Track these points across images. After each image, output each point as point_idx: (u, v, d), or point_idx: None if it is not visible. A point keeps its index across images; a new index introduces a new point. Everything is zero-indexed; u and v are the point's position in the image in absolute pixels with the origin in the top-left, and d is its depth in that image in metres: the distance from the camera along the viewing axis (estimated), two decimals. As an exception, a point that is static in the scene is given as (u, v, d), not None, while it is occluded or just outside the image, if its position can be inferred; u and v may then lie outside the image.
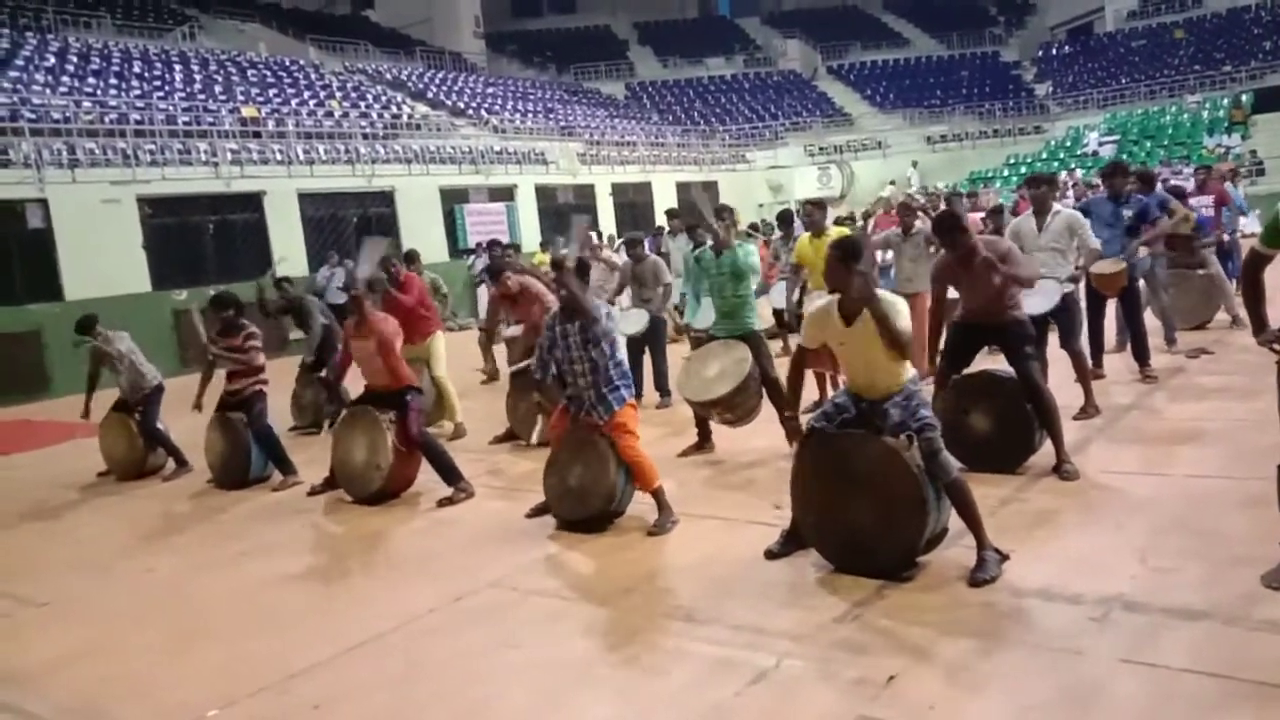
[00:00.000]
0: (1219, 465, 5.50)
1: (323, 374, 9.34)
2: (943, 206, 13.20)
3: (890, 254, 8.92)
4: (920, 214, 9.02)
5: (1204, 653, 3.38)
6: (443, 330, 9.00)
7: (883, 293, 4.38)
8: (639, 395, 7.93)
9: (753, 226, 14.72)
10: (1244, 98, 28.03)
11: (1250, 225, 12.87)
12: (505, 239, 15.56)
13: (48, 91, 18.30)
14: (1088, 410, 6.75)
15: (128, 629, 4.75)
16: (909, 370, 4.41)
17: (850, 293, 4.32)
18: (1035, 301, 6.51)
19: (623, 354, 5.85)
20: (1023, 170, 27.39)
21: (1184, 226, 9.04)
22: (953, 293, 5.85)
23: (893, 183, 27.98)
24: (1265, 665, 3.24)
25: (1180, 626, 3.60)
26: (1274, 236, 3.78)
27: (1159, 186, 9.38)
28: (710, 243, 6.88)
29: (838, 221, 12.41)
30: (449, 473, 6.44)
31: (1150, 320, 8.40)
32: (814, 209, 8.20)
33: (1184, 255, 9.46)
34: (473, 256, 18.46)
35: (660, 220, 20.72)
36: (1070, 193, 18.08)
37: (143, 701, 3.91)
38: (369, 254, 7.31)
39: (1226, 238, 10.43)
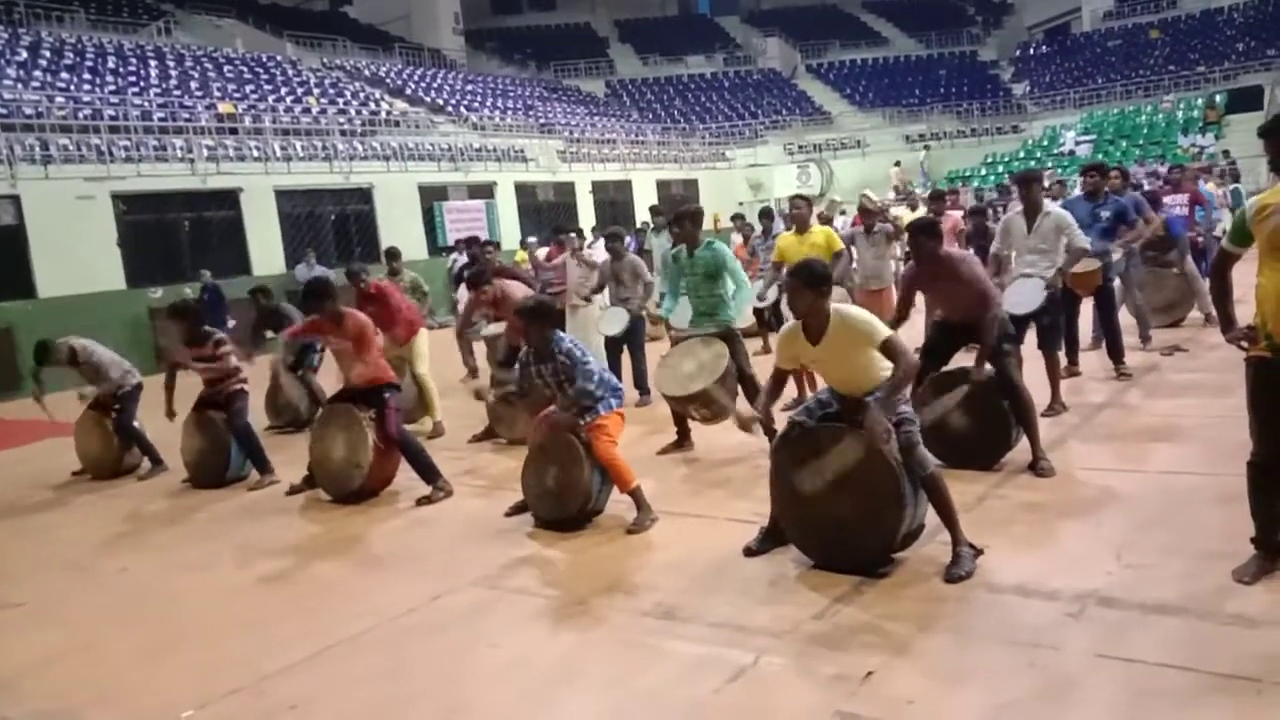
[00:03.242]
0: (1193, 461, 5.56)
1: (300, 374, 9.29)
2: (922, 209, 13.29)
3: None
4: (880, 215, 9.14)
5: (1179, 647, 3.42)
6: (425, 329, 8.96)
7: (846, 309, 4.41)
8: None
9: (735, 218, 14.79)
10: (1218, 98, 28.33)
11: (1227, 224, 12.99)
12: (484, 237, 15.49)
13: (20, 86, 18.08)
14: (1054, 408, 6.82)
15: (104, 630, 4.70)
16: (886, 367, 4.42)
17: (813, 319, 4.32)
18: (1019, 302, 6.56)
19: (602, 365, 5.88)
20: (1000, 170, 27.58)
21: (1160, 231, 9.13)
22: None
23: (898, 163, 28.24)
24: (1238, 659, 3.28)
25: (1155, 621, 3.64)
26: (1241, 236, 3.83)
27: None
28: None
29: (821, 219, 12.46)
30: (427, 471, 6.42)
31: (1125, 318, 8.48)
32: (802, 204, 8.22)
33: (1158, 254, 9.55)
34: (453, 254, 18.41)
35: (642, 218, 20.73)
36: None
37: (118, 703, 3.88)
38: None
39: (1200, 238, 10.54)
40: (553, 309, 5.83)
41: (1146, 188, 12.20)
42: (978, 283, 5.59)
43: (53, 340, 8.06)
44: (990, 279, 5.93)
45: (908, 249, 6.43)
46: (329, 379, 7.57)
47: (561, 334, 5.62)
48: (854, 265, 8.95)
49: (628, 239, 10.13)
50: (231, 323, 13.83)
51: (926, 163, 29.39)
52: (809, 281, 4.30)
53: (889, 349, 4.25)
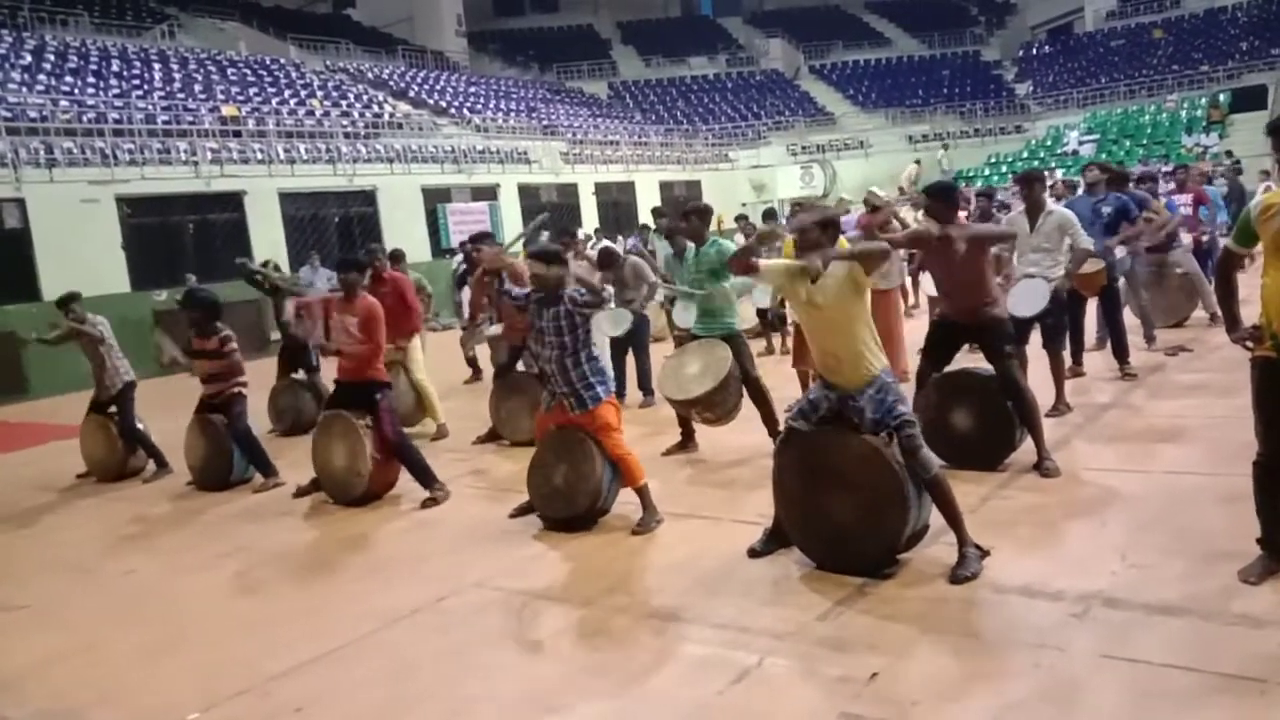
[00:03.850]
0: (1198, 462, 5.55)
1: (299, 376, 9.31)
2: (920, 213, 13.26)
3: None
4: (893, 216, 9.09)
5: (1183, 648, 3.41)
6: (423, 331, 8.97)
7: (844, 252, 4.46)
8: (622, 395, 7.95)
9: (739, 219, 14.81)
10: (1221, 97, 28.28)
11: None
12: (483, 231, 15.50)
13: (24, 90, 18.12)
14: (1058, 408, 6.81)
15: (108, 632, 4.71)
16: (881, 360, 4.41)
17: (820, 256, 4.35)
18: (1024, 304, 6.55)
19: (603, 354, 5.85)
20: (1004, 169, 27.55)
21: (1162, 232, 9.12)
22: (934, 290, 5.89)
23: (917, 161, 28.27)
24: (1243, 659, 3.27)
25: (1160, 622, 3.63)
26: (1246, 236, 3.81)
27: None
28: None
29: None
30: (423, 475, 6.42)
31: (1129, 318, 8.47)
32: (799, 211, 8.23)
33: (1161, 254, 9.54)
34: (457, 256, 18.43)
35: (645, 219, 20.71)
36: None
37: (123, 705, 3.88)
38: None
39: (1205, 237, 10.52)
40: (562, 254, 5.81)
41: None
42: (983, 261, 5.61)
43: (79, 299, 8.09)
44: (991, 278, 5.92)
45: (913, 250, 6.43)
46: (327, 378, 7.57)
47: (577, 289, 5.54)
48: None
49: (630, 241, 10.13)
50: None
51: (945, 161, 29.41)
52: (820, 221, 4.42)
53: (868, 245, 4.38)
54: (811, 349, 4.64)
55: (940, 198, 5.76)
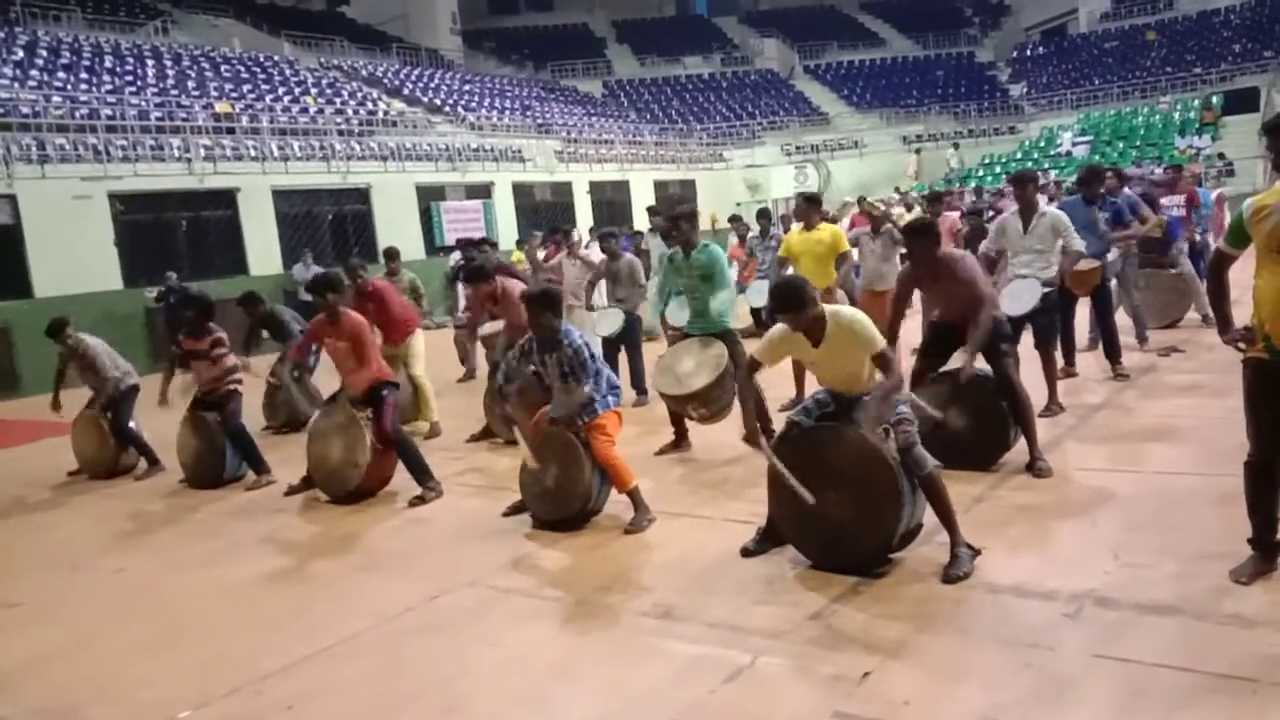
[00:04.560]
0: (1190, 462, 5.57)
1: (298, 376, 9.26)
2: (917, 210, 13.30)
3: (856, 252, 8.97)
4: (885, 218, 9.16)
5: (1175, 647, 3.42)
6: (421, 329, 8.96)
7: (841, 310, 4.41)
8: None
9: (733, 219, 14.80)
10: (1214, 99, 28.38)
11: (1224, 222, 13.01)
12: (479, 236, 15.47)
13: (16, 85, 18.05)
14: (1051, 408, 6.83)
15: (101, 629, 4.70)
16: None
17: (813, 328, 4.31)
18: (1016, 303, 6.56)
19: (603, 361, 5.86)
20: (998, 170, 27.61)
21: (1155, 231, 9.11)
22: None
23: (917, 152, 28.87)
24: (1235, 659, 3.28)
25: (1152, 622, 3.64)
26: (1238, 236, 3.82)
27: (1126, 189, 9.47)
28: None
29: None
30: (420, 471, 6.41)
31: (1121, 319, 8.49)
32: (804, 204, 8.25)
33: (1155, 255, 9.56)
34: (454, 254, 18.43)
35: (639, 218, 20.72)
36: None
37: (115, 702, 3.87)
38: None
39: (1198, 237, 10.56)
40: (559, 297, 5.81)
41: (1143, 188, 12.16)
42: (975, 283, 5.59)
43: (70, 322, 8.05)
44: (985, 294, 5.92)
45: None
46: (326, 379, 7.55)
47: (571, 328, 5.57)
48: (856, 267, 8.96)
49: (623, 239, 10.13)
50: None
51: (955, 160, 29.52)
52: (794, 305, 4.26)
53: (881, 361, 4.28)
54: (818, 379, 4.68)
55: (920, 236, 5.63)
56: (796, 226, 8.29)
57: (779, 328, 4.51)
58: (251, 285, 12.81)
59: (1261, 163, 24.23)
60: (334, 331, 6.47)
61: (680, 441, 7.02)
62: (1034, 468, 5.56)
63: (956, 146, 30.44)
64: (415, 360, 8.50)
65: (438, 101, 27.75)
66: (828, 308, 4.36)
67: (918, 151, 28.77)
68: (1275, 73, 28.76)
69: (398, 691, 3.72)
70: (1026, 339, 6.84)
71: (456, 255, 15.21)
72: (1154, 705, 3.10)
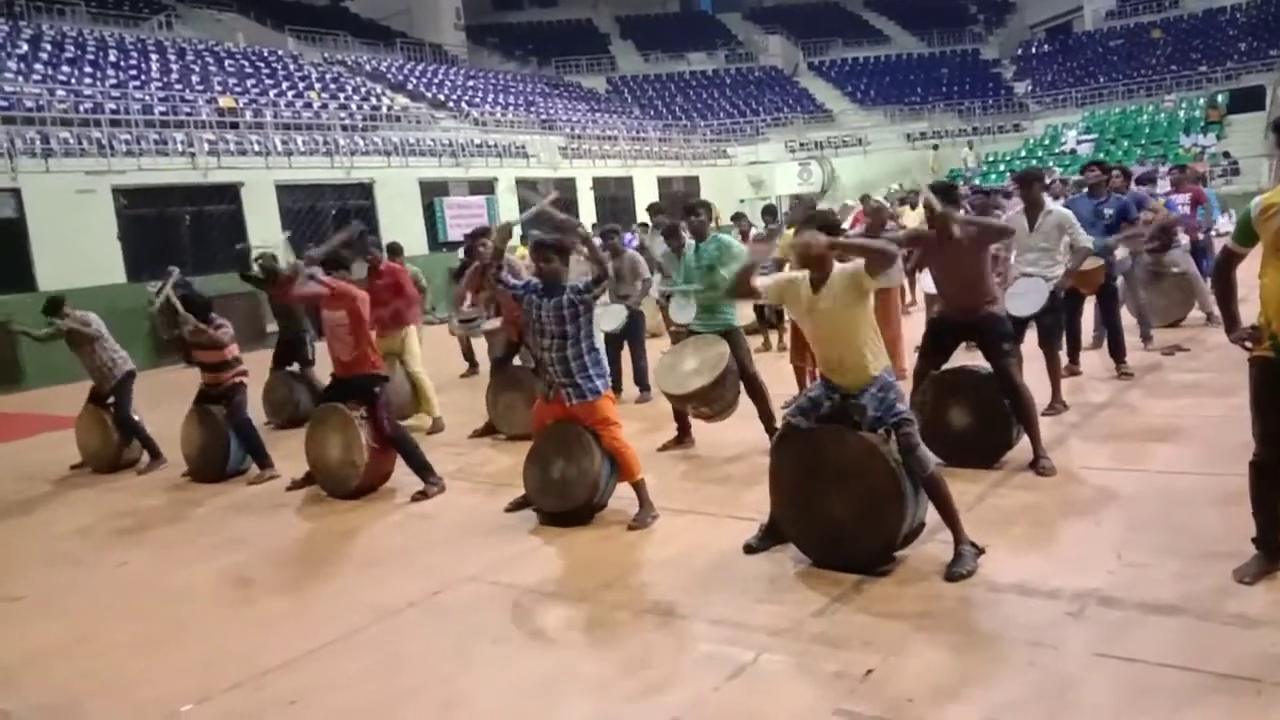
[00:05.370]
0: (1194, 461, 5.55)
1: (294, 369, 9.29)
2: (921, 209, 13.25)
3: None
4: (888, 216, 9.13)
5: (1178, 647, 3.41)
6: (420, 324, 8.96)
7: (845, 264, 4.42)
8: (618, 391, 7.95)
9: (736, 216, 14.78)
10: (1220, 98, 28.33)
11: (1225, 225, 12.99)
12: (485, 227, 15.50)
13: (21, 79, 18.07)
14: (1055, 406, 6.81)
15: (102, 624, 4.70)
16: (882, 359, 4.42)
17: (819, 267, 4.34)
18: (1022, 303, 6.54)
19: (601, 348, 5.83)
20: (1002, 168, 27.56)
21: (1166, 224, 9.11)
22: (932, 287, 5.87)
23: (935, 147, 29.08)
24: (1238, 659, 3.27)
25: (1155, 621, 3.63)
26: (1246, 234, 3.81)
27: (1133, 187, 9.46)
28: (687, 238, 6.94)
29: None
30: (421, 467, 6.41)
31: (1126, 318, 8.48)
32: (799, 207, 8.24)
33: (1160, 253, 9.55)
34: (461, 250, 18.45)
35: (641, 214, 20.68)
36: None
37: (117, 697, 3.87)
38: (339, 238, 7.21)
39: (1201, 236, 10.53)
40: (569, 247, 5.76)
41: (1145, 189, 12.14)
42: (983, 258, 5.60)
43: (66, 300, 8.07)
44: (990, 277, 5.92)
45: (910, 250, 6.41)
46: (326, 374, 7.55)
47: (578, 284, 5.46)
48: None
49: (627, 236, 10.13)
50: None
51: (971, 159, 29.51)
52: (822, 227, 4.35)
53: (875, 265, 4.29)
54: (814, 351, 4.65)
55: (940, 197, 5.72)
56: (788, 232, 8.30)
57: (786, 273, 4.51)
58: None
59: (1266, 161, 24.22)
60: (334, 301, 6.47)
61: (683, 438, 7.02)
62: (1037, 466, 5.54)
63: (971, 146, 30.44)
64: (411, 358, 8.49)
65: (441, 97, 27.75)
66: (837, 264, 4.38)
67: (935, 147, 28.80)
68: (1281, 71, 28.72)
69: (399, 687, 3.72)
70: (1030, 337, 6.83)
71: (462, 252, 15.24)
72: (1157, 704, 3.09)
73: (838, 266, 4.37)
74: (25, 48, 20.15)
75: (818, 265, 4.36)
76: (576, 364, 5.38)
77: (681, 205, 7.52)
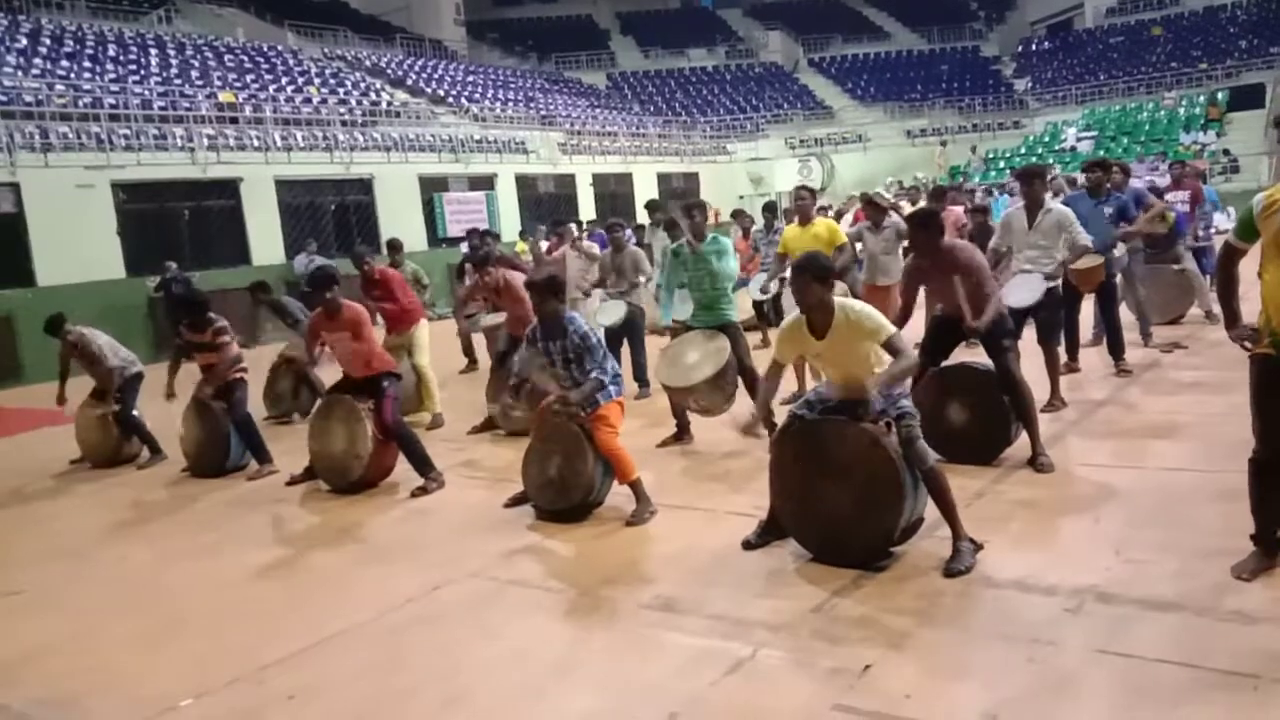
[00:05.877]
0: (1193, 458, 5.55)
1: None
2: (922, 201, 13.26)
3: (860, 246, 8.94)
4: (890, 210, 9.09)
5: (1177, 643, 3.42)
6: (425, 319, 8.96)
7: (850, 303, 4.40)
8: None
9: (736, 213, 14.78)
10: (1220, 95, 28.33)
11: (1225, 222, 13.00)
12: (484, 228, 15.49)
13: (20, 74, 18.04)
14: (1054, 403, 6.81)
15: (102, 619, 4.70)
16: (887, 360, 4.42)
17: (818, 312, 4.30)
18: (1020, 295, 6.54)
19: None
20: (1001, 165, 27.56)
21: (1160, 226, 9.08)
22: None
23: (943, 143, 29.30)
24: (1236, 655, 3.27)
25: (1154, 617, 3.64)
26: (1247, 230, 3.81)
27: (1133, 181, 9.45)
28: (685, 238, 6.96)
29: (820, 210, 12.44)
30: (421, 462, 6.41)
31: (1125, 315, 8.47)
32: (806, 195, 8.23)
33: (1160, 251, 9.54)
34: (464, 244, 18.43)
35: (640, 211, 20.68)
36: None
37: (117, 692, 3.88)
38: None
39: (1200, 233, 10.53)
40: (563, 283, 5.81)
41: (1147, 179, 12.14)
42: (979, 272, 5.58)
43: (66, 318, 8.05)
44: (989, 291, 5.91)
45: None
46: (327, 373, 7.55)
47: (575, 315, 5.59)
48: (860, 261, 8.94)
49: (627, 231, 10.12)
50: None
51: (974, 160, 29.53)
52: (816, 275, 4.27)
53: (891, 346, 4.24)
54: (823, 375, 4.67)
55: (922, 228, 5.61)
56: (791, 225, 8.30)
57: (788, 321, 4.50)
58: (254, 275, 12.85)
59: (1266, 159, 24.22)
60: (332, 325, 6.47)
61: (682, 434, 7.02)
62: (1036, 463, 5.55)
63: (974, 149, 30.45)
64: (420, 350, 8.50)
65: (441, 92, 27.72)
66: (838, 300, 4.34)
67: (944, 144, 28.83)
68: (1281, 69, 28.71)
69: (398, 683, 3.72)
70: (1029, 334, 6.83)
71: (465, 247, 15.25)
72: (1155, 701, 3.09)
73: (841, 312, 4.29)
74: (24, 42, 20.11)
75: (819, 310, 4.31)
76: (597, 383, 5.43)
77: (679, 205, 7.55)
